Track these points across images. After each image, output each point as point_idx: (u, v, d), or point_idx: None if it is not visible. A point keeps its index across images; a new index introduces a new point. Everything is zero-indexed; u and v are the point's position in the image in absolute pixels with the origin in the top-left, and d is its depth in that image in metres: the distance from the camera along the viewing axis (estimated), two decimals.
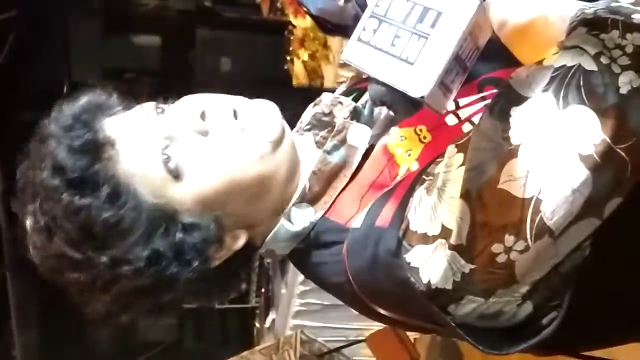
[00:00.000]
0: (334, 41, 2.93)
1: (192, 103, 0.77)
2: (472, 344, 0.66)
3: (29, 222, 0.74)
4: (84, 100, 0.77)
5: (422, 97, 0.61)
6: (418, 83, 0.61)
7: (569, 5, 0.60)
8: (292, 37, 3.22)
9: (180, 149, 0.74)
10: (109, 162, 0.72)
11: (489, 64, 0.75)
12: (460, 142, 0.64)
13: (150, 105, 0.77)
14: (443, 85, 0.62)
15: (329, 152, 0.80)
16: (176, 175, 0.73)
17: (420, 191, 0.67)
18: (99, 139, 0.72)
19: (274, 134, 0.77)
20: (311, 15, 0.92)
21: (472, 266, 0.61)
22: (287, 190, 0.80)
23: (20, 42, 3.70)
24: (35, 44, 3.78)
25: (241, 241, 0.78)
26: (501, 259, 0.60)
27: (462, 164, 0.62)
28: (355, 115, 0.83)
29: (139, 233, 0.71)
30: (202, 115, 0.76)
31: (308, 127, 0.87)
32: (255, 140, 0.76)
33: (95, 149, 0.72)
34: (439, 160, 0.67)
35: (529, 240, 0.59)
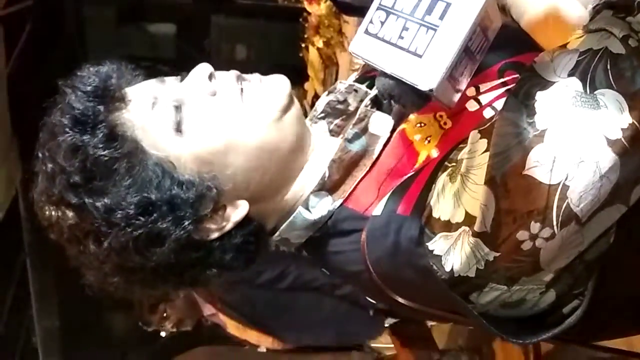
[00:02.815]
0: (348, 28, 2.91)
1: (201, 67, 0.78)
2: (494, 333, 0.65)
3: (39, 171, 0.75)
4: (107, 66, 0.78)
5: (431, 90, 0.59)
6: (427, 76, 0.59)
7: None
8: (306, 24, 3.20)
9: (187, 108, 0.74)
10: (115, 110, 0.73)
11: (508, 49, 0.74)
12: (484, 127, 0.63)
13: (168, 77, 0.79)
14: (452, 78, 0.60)
15: (349, 141, 0.78)
16: (178, 129, 0.73)
17: (443, 178, 0.66)
18: (111, 89, 0.74)
19: (280, 102, 0.75)
20: None
21: (497, 254, 0.61)
22: (291, 166, 0.78)
23: (37, 33, 3.73)
24: (51, 34, 3.80)
25: (242, 211, 0.76)
26: (526, 246, 0.59)
27: (486, 150, 0.61)
28: (376, 103, 0.82)
29: (133, 180, 0.71)
30: (210, 77, 0.76)
31: (322, 115, 0.86)
32: (261, 105, 0.75)
33: (105, 95, 0.73)
34: (461, 146, 0.66)
35: (555, 227, 0.58)
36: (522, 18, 0.62)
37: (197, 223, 0.73)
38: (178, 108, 0.74)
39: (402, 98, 0.62)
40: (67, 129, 0.71)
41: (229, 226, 0.75)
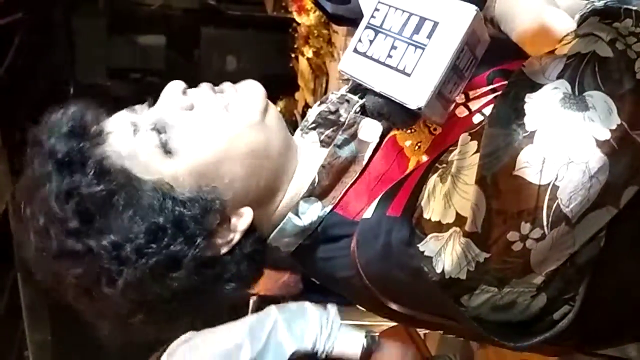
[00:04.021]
0: (338, 38, 2.93)
1: (173, 85, 0.77)
2: (485, 336, 0.65)
3: (29, 230, 0.72)
4: (73, 106, 0.76)
5: (420, 109, 0.60)
6: (415, 94, 0.60)
7: (574, 1, 0.60)
8: (296, 35, 3.21)
9: (170, 126, 0.74)
10: (97, 145, 0.72)
11: (496, 57, 0.74)
12: (474, 130, 0.64)
13: (137, 105, 0.78)
14: (441, 96, 0.61)
15: (339, 147, 0.78)
16: (166, 150, 0.73)
17: (433, 179, 0.66)
18: (88, 125, 0.72)
19: (259, 105, 0.76)
20: (324, 10, 0.90)
21: (487, 255, 0.60)
22: (283, 168, 0.78)
23: (26, 44, 3.72)
24: (41, 46, 3.80)
25: (247, 218, 0.75)
26: (517, 247, 0.59)
27: (477, 151, 0.61)
28: (365, 110, 0.81)
29: (135, 209, 0.70)
30: (184, 92, 0.76)
31: (313, 125, 0.86)
32: (242, 110, 0.76)
33: (83, 132, 0.72)
34: (452, 148, 0.67)
35: (545, 228, 0.58)
36: (511, 33, 0.62)
37: (208, 238, 0.72)
38: (161, 129, 0.73)
39: (391, 116, 0.63)
40: (53, 175, 0.69)
41: (237, 236, 0.75)
